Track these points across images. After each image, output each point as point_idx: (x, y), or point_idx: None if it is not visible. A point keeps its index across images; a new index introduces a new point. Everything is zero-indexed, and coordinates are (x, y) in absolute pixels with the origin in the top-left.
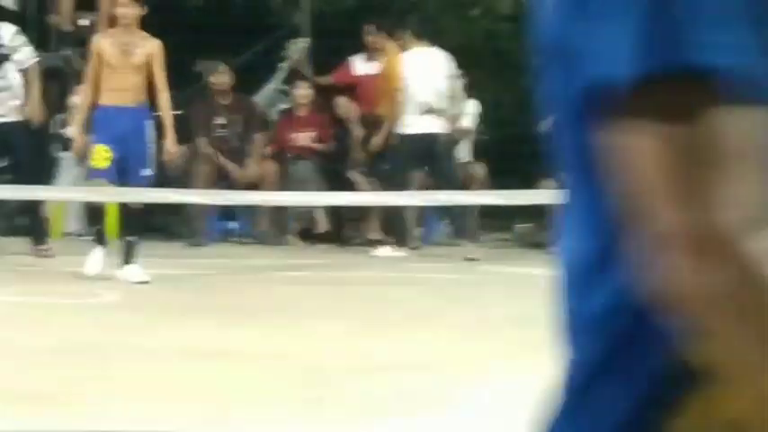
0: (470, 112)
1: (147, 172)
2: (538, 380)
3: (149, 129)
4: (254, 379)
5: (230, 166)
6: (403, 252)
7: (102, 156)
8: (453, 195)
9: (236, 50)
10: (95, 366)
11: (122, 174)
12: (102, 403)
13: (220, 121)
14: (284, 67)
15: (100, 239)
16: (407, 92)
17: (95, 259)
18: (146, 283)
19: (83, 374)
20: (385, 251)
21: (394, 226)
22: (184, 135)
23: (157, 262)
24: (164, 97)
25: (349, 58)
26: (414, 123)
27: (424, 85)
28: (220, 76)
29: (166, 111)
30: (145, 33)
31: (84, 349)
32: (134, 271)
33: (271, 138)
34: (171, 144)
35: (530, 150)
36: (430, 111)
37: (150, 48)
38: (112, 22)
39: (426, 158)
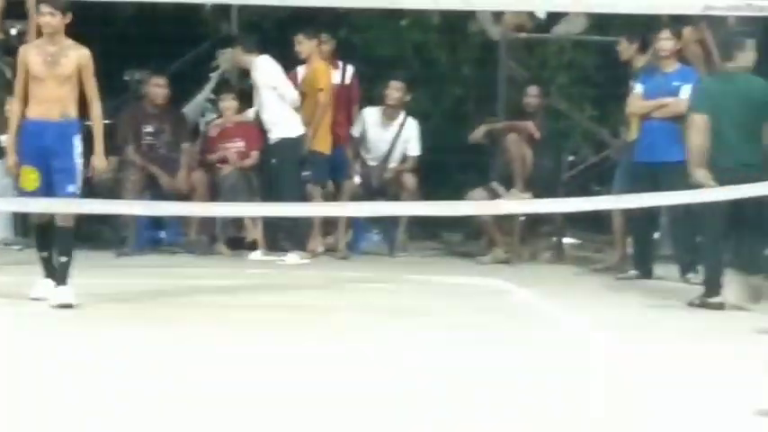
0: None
1: (73, 188)
2: (467, 388)
3: (77, 143)
4: (192, 389)
5: (160, 175)
6: (306, 259)
7: (29, 178)
8: (384, 206)
9: (166, 60)
10: (25, 374)
11: (48, 188)
12: (28, 413)
13: (149, 129)
14: (214, 77)
15: (48, 269)
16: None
17: (43, 287)
18: (70, 306)
19: (11, 382)
20: (292, 258)
21: (293, 233)
22: (114, 144)
23: (86, 272)
24: (95, 108)
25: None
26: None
27: None
28: (158, 89)
29: (98, 122)
30: (73, 42)
31: (7, 356)
32: (63, 293)
33: (200, 148)
34: (99, 159)
35: (459, 161)
36: None
37: (78, 57)
38: (41, 31)
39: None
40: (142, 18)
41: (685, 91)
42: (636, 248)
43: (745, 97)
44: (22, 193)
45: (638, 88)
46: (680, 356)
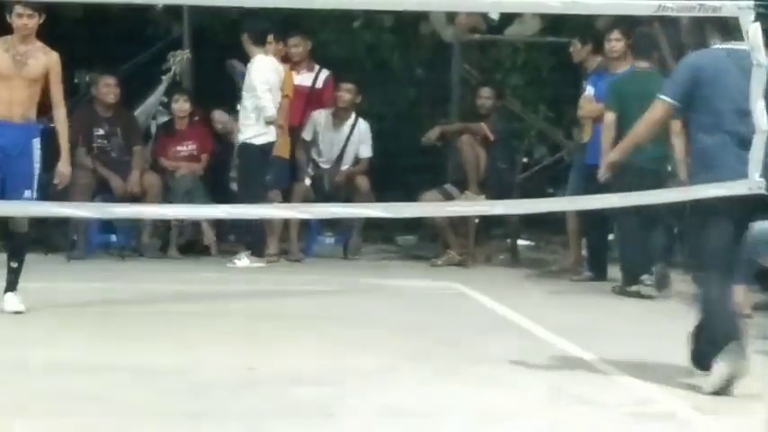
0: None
1: (29, 194)
2: (421, 390)
3: (36, 147)
4: (139, 393)
5: (112, 178)
6: (261, 263)
7: None
8: (337, 208)
9: (117, 62)
10: None
11: (2, 193)
12: None
13: (100, 132)
14: (165, 78)
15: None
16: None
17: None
18: (20, 313)
19: None
20: (243, 262)
21: (246, 236)
22: None
23: (37, 276)
24: (60, 113)
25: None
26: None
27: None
28: (108, 88)
29: (63, 127)
30: (42, 45)
31: None
32: (11, 300)
33: (151, 150)
34: (64, 164)
35: (412, 163)
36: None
37: (47, 60)
38: (9, 29)
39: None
40: (92, 19)
41: None
42: (590, 251)
43: (651, 95)
44: None
45: (589, 90)
46: (640, 356)
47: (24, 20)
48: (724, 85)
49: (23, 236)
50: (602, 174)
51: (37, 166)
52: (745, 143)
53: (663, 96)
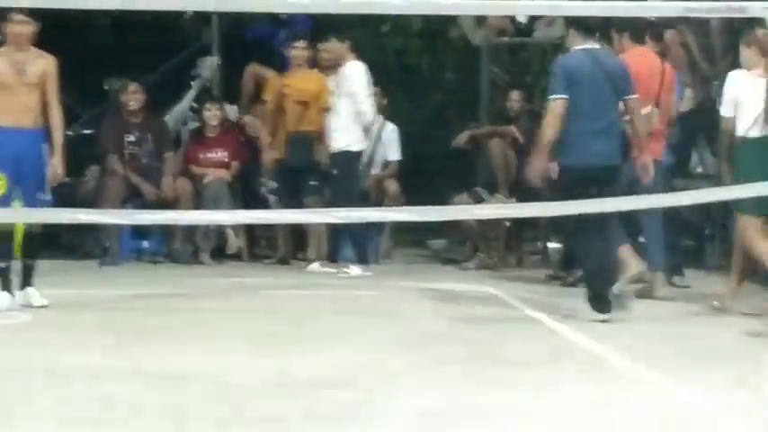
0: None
1: (44, 196)
2: (451, 393)
3: (45, 152)
4: (168, 398)
5: (143, 185)
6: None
7: None
8: (366, 212)
9: (146, 69)
10: (8, 388)
11: (14, 196)
12: (14, 426)
13: (131, 138)
14: (195, 85)
15: (4, 282)
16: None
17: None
18: (44, 306)
19: None
20: (314, 267)
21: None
22: (96, 154)
23: (70, 282)
24: (55, 116)
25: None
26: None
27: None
28: (133, 95)
29: (58, 131)
30: (38, 50)
31: None
32: (32, 295)
33: (182, 156)
34: (57, 165)
35: (442, 166)
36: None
37: (44, 65)
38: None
39: None
40: (121, 26)
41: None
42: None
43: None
44: None
45: None
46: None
47: (22, 27)
48: (585, 82)
49: (38, 235)
50: (532, 176)
51: (47, 169)
52: (601, 133)
53: (554, 96)
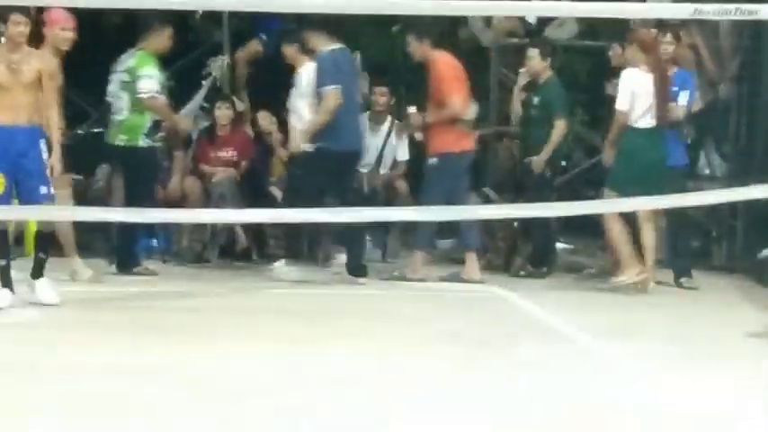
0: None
1: (45, 190)
2: (460, 392)
3: (43, 147)
4: (175, 395)
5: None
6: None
7: None
8: (376, 212)
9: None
10: (15, 383)
11: (18, 194)
12: (24, 420)
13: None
14: (206, 84)
15: (4, 280)
16: None
17: (2, 296)
18: (55, 305)
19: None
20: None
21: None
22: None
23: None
24: (52, 114)
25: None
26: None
27: None
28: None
29: (54, 128)
30: (34, 49)
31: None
32: (43, 291)
33: (192, 155)
34: (55, 162)
35: None
36: None
37: (40, 64)
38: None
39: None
40: (132, 26)
41: (684, 97)
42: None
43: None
44: None
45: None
46: (676, 357)
47: (20, 28)
48: (341, 77)
49: (49, 231)
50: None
51: (47, 164)
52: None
53: (327, 88)
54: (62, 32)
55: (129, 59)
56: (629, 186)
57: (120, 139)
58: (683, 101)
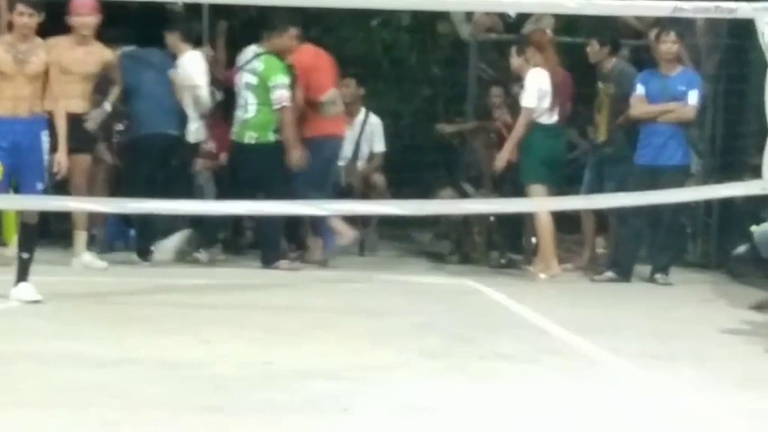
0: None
1: (41, 186)
2: (436, 386)
3: (45, 140)
4: (157, 386)
5: None
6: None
7: None
8: (353, 205)
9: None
10: None
11: (15, 186)
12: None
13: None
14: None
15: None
16: None
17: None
18: (37, 302)
19: None
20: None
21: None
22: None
23: (56, 269)
24: (59, 106)
25: None
26: None
27: None
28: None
29: (61, 120)
30: (41, 41)
31: None
32: (26, 290)
33: None
34: (62, 155)
35: (428, 160)
36: None
37: (46, 56)
38: (10, 27)
39: None
40: (110, 17)
41: (693, 96)
42: (620, 250)
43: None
44: None
45: (639, 90)
46: (653, 356)
47: (26, 18)
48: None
49: (34, 226)
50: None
51: (46, 158)
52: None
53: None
54: (80, 19)
55: (255, 61)
56: (545, 173)
57: (250, 137)
58: (693, 100)
